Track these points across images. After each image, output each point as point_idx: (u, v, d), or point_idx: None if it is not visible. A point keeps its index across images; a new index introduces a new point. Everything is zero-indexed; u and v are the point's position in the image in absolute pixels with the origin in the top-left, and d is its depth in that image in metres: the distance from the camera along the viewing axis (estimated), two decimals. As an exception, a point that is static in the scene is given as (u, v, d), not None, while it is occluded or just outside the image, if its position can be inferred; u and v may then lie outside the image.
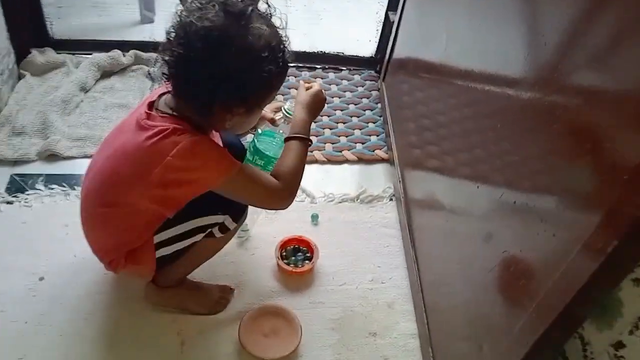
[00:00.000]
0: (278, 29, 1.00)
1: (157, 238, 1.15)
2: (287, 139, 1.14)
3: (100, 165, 1.13)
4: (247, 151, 1.26)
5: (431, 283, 1.35)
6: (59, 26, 1.99)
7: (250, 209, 1.37)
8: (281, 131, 1.24)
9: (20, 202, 1.49)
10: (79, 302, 1.30)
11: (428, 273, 1.38)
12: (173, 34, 0.96)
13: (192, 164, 1.00)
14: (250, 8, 0.95)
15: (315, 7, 2.64)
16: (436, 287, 1.31)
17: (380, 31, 2.06)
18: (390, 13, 1.97)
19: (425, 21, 1.60)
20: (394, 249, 1.54)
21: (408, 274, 1.48)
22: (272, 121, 1.25)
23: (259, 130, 1.27)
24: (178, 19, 0.95)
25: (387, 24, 2.00)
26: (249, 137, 1.32)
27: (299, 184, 1.13)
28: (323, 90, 1.20)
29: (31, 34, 1.86)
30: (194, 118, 1.03)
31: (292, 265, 1.43)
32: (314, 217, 1.58)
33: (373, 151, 1.82)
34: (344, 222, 1.59)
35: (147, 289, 1.30)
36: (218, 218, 1.17)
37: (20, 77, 1.81)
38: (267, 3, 0.99)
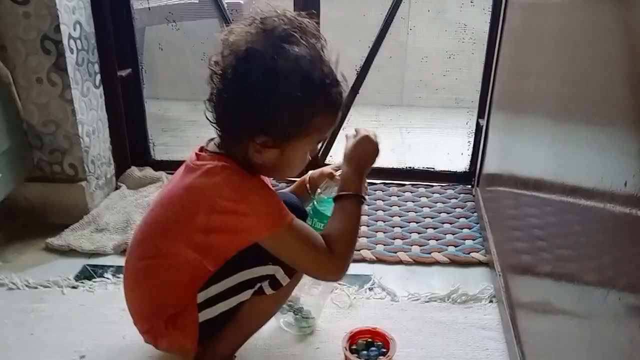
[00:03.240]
0: (324, 61, 0.92)
1: (200, 297, 1.01)
2: (334, 199, 1.01)
3: (145, 218, 1.07)
4: (308, 215, 1.13)
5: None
6: (161, 150, 2.13)
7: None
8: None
9: (84, 287, 1.44)
10: (114, 385, 1.14)
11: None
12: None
13: (240, 208, 0.91)
14: (288, 29, 0.89)
15: (402, 121, 2.62)
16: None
17: (472, 142, 1.95)
18: (480, 120, 1.88)
19: (517, 127, 1.45)
20: (494, 352, 1.22)
21: (515, 382, 1.14)
22: (332, 177, 1.13)
23: (319, 190, 1.15)
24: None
25: (478, 133, 1.90)
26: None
27: (353, 249, 0.99)
28: (374, 136, 1.04)
29: (133, 153, 1.99)
30: (237, 154, 0.96)
31: (363, 359, 1.17)
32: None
33: (468, 254, 1.58)
34: (431, 322, 1.31)
35: (188, 371, 1.11)
36: (268, 269, 1.01)
37: (117, 188, 1.90)
38: (318, 36, 0.93)
